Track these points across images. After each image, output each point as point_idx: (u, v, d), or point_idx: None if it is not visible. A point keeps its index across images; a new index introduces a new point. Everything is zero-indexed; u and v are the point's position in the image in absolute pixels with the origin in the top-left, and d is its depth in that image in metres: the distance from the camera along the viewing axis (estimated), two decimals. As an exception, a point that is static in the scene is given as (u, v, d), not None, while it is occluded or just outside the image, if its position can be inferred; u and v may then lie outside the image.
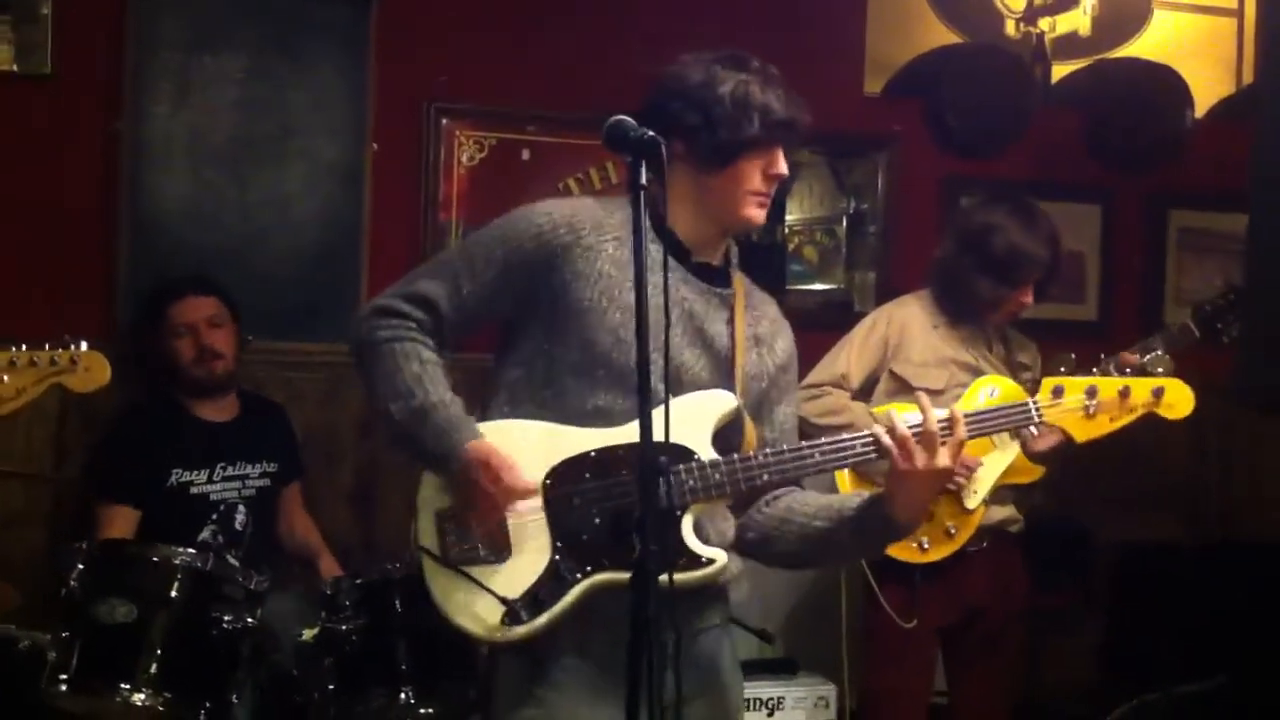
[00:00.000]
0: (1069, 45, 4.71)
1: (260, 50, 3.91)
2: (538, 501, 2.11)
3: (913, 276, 3.57)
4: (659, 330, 1.96)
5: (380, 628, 2.99)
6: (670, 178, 2.11)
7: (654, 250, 2.05)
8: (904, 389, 3.22)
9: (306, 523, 3.74)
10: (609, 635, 2.04)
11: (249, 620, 2.84)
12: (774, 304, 2.35)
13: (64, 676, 2.72)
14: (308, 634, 3.03)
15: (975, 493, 3.17)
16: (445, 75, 4.03)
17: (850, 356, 3.32)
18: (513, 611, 2.08)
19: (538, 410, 2.14)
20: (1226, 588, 4.17)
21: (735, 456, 2.11)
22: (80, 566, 2.80)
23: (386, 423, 2.16)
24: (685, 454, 2.09)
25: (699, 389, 2.14)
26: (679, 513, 2.09)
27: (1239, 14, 4.92)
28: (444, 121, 4.05)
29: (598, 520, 2.10)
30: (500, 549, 2.11)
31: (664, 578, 1.92)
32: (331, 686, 2.97)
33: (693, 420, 2.10)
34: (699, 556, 2.10)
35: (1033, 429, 3.15)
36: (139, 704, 2.72)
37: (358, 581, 3.07)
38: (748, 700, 3.78)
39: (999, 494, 3.22)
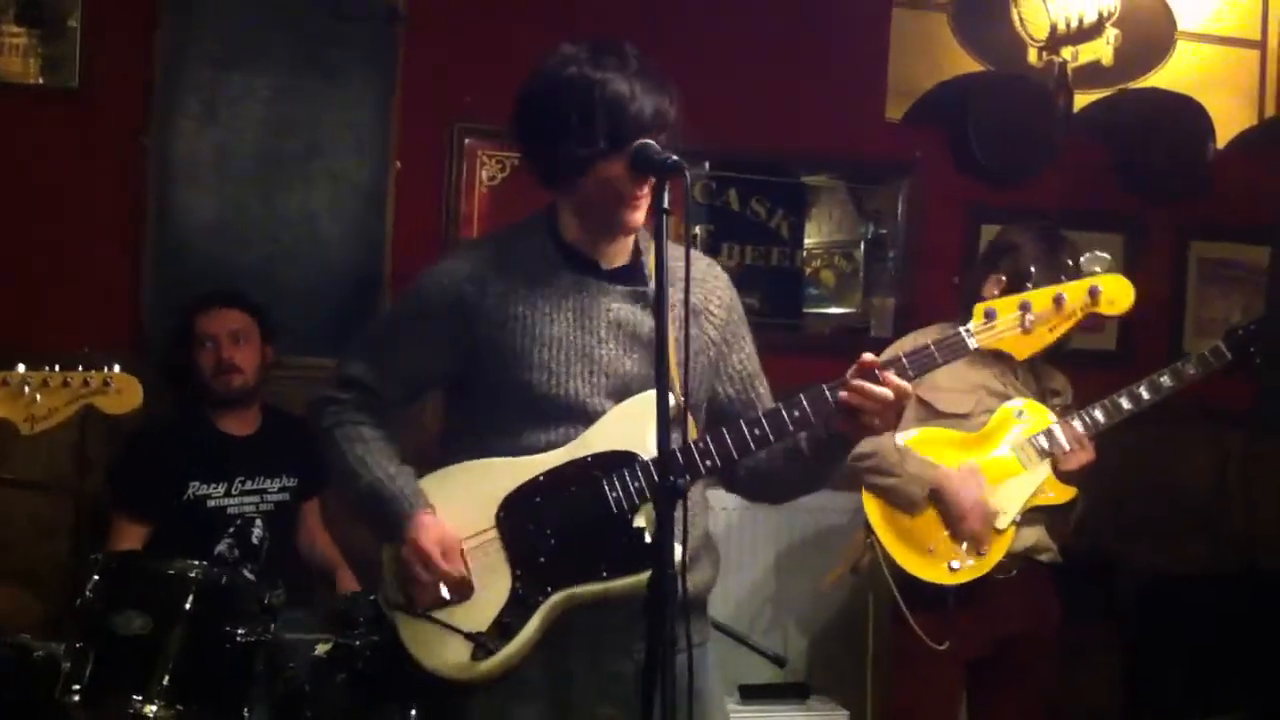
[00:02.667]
0: (1091, 75, 4.70)
1: (288, 68, 3.94)
2: (494, 534, 2.14)
3: (931, 303, 3.56)
4: (576, 354, 2.10)
5: (394, 643, 2.98)
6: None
7: (566, 275, 2.15)
8: (932, 414, 3.21)
9: (326, 538, 3.73)
10: (569, 655, 2.11)
11: (263, 634, 2.85)
12: (700, 260, 2.28)
13: (77, 687, 2.73)
14: (322, 649, 3.02)
15: (1005, 513, 3.15)
16: (470, 96, 4.05)
17: None
18: (481, 645, 2.11)
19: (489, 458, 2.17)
20: (1251, 618, 4.14)
21: (676, 450, 2.08)
22: (96, 578, 2.81)
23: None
24: (628, 458, 2.10)
25: (648, 390, 2.11)
26: (629, 515, 2.09)
27: (1262, 46, 4.90)
28: (467, 141, 4.08)
29: (553, 540, 2.12)
30: (463, 589, 2.14)
31: (620, 583, 2.03)
32: (344, 702, 2.97)
33: (633, 423, 2.11)
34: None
35: (1062, 443, 3.15)
36: (151, 716, 2.72)
37: (372, 598, 3.06)
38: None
39: (1029, 516, 3.18)
